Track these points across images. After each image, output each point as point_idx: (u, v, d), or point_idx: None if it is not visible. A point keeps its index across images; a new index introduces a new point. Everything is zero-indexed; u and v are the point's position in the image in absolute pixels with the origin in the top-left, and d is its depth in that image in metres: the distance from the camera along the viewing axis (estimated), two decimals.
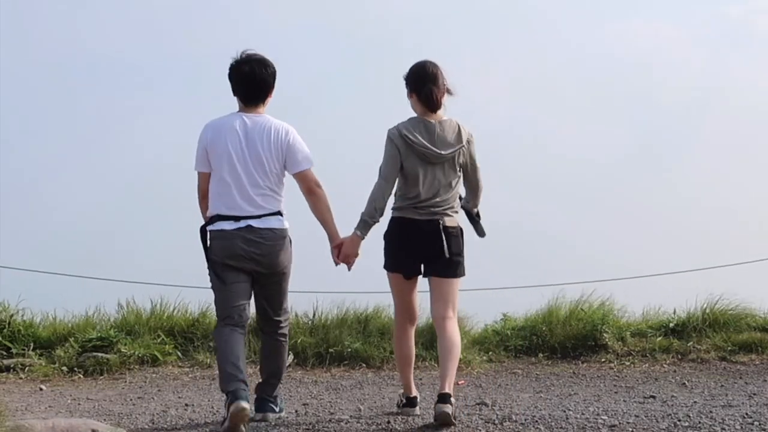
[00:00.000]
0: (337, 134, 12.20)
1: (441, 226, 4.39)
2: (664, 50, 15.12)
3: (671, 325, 7.62)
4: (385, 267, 4.54)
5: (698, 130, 14.50)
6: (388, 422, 4.42)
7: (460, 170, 4.48)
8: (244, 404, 4.02)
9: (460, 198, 4.62)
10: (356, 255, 4.46)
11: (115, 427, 4.26)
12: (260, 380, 4.68)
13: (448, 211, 4.45)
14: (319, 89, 13.93)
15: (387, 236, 4.51)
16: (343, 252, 4.45)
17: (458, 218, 4.52)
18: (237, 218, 4.35)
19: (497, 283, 8.73)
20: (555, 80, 14.43)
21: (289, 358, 6.94)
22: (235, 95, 4.51)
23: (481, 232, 4.75)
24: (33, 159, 12.82)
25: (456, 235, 4.46)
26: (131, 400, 5.58)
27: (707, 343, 7.31)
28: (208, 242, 4.44)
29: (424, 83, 4.43)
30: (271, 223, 4.40)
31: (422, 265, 4.49)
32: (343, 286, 6.74)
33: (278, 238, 4.41)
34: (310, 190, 4.47)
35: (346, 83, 14.32)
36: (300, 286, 6.99)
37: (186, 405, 5.26)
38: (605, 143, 13.88)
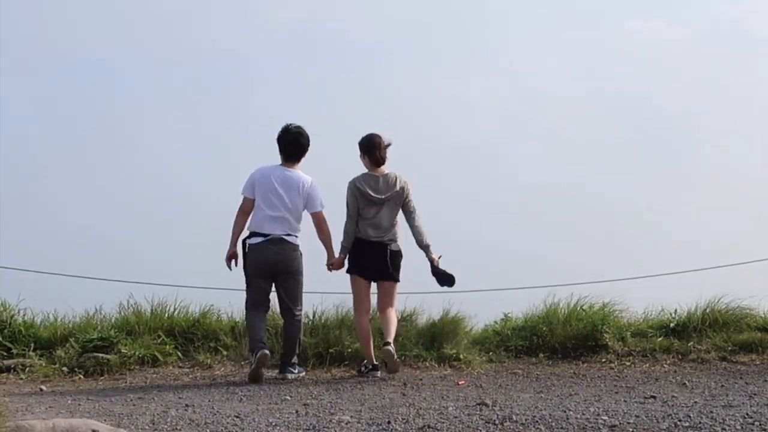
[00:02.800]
0: None
1: (388, 249, 6.49)
2: (662, 50, 15.16)
3: (672, 325, 7.61)
4: (348, 271, 6.58)
5: (696, 135, 14.54)
6: (389, 422, 4.43)
7: (398, 209, 6.55)
8: (266, 351, 6.18)
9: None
10: (342, 266, 6.60)
11: (116, 427, 4.26)
12: (282, 352, 6.52)
13: (392, 238, 6.52)
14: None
15: (350, 251, 6.55)
16: (334, 266, 6.59)
17: (400, 243, 6.57)
18: (265, 235, 6.33)
19: (497, 283, 8.75)
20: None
21: None
22: (280, 154, 6.50)
23: (444, 282, 6.52)
24: (33, 160, 12.84)
25: (397, 255, 6.54)
26: (131, 400, 5.57)
27: (708, 343, 7.31)
28: (247, 251, 6.37)
29: (371, 149, 6.57)
30: (287, 239, 6.37)
31: (372, 273, 6.52)
32: (344, 287, 6.79)
33: (290, 249, 6.38)
34: (320, 226, 6.56)
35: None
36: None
37: (186, 405, 5.25)
38: (600, 155, 13.94)
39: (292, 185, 6.40)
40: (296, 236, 6.44)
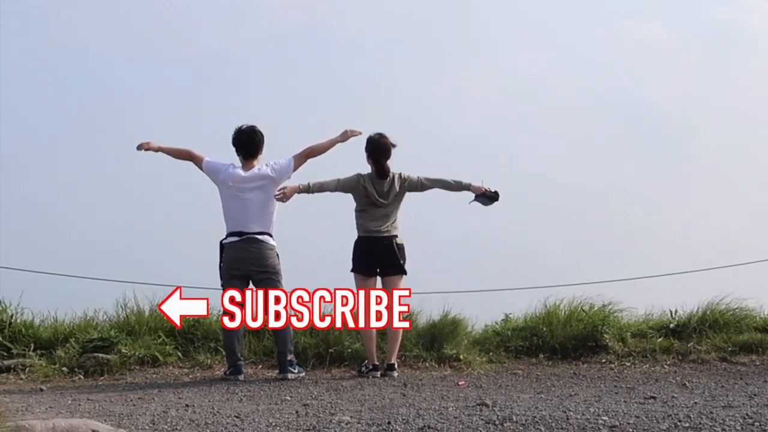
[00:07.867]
0: None
1: (394, 244, 6.58)
2: (655, 50, 15.21)
3: (672, 325, 7.61)
4: (352, 270, 6.63)
5: (694, 133, 14.55)
6: (389, 423, 4.42)
7: (400, 203, 6.63)
8: (240, 377, 6.43)
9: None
10: (293, 193, 6.46)
11: (116, 427, 4.26)
12: (277, 351, 6.58)
13: (395, 232, 6.60)
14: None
15: (354, 250, 6.64)
16: (287, 191, 6.44)
17: (401, 238, 6.64)
18: (241, 234, 6.43)
19: (498, 283, 8.74)
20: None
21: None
22: (237, 154, 6.58)
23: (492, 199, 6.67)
24: (32, 159, 12.83)
25: (402, 248, 6.63)
26: (132, 400, 5.57)
27: (708, 344, 7.31)
28: (223, 251, 6.49)
29: (378, 159, 6.61)
30: (262, 237, 6.46)
31: (378, 269, 6.59)
32: (343, 286, 6.78)
33: (266, 249, 6.46)
34: (308, 154, 6.65)
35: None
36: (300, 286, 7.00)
37: (186, 406, 5.25)
38: (598, 155, 13.95)
39: (256, 179, 6.48)
40: (270, 235, 6.48)
